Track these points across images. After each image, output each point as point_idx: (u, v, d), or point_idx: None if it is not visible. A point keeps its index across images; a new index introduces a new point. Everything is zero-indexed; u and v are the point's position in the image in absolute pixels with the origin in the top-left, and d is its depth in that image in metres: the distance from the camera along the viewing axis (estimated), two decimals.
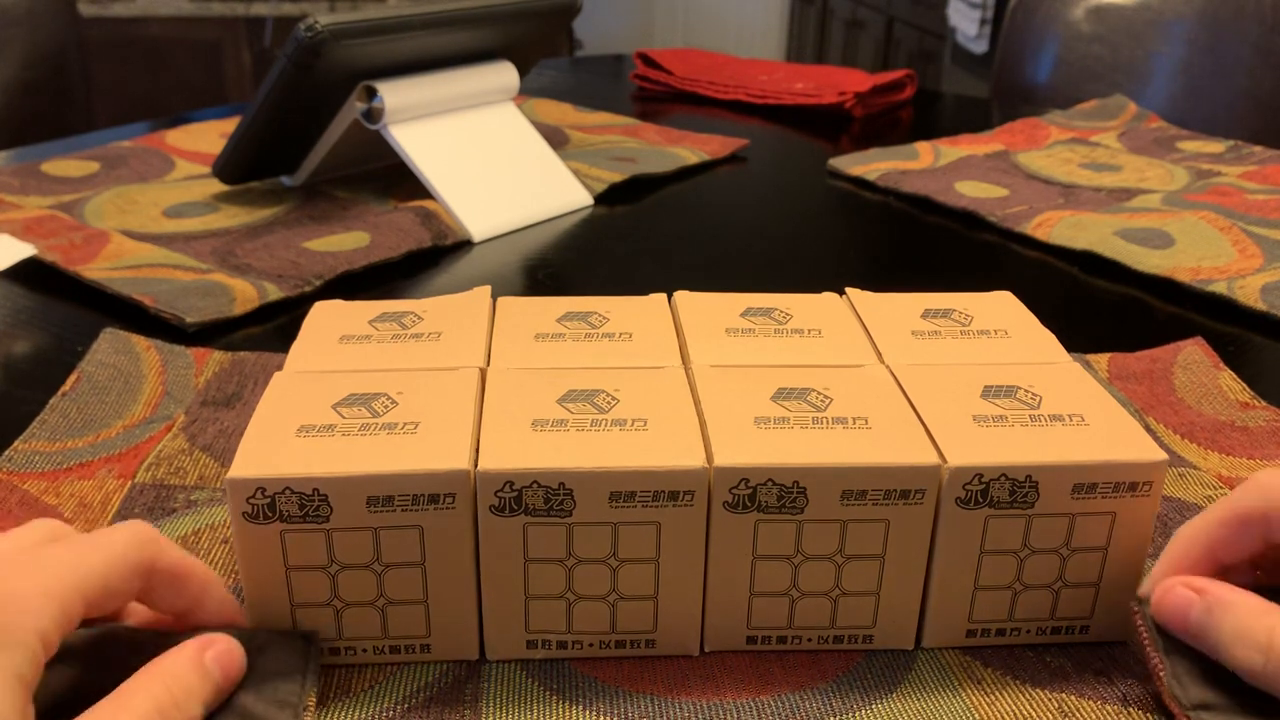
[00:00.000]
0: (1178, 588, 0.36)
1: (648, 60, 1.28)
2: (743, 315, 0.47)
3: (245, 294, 0.65)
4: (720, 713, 0.37)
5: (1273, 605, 0.34)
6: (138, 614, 0.37)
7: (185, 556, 0.35)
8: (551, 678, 0.38)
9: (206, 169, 0.88)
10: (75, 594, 0.31)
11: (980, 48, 2.18)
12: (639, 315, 0.47)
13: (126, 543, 0.33)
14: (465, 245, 0.78)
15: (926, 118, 1.19)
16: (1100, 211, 0.83)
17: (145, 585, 0.34)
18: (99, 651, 0.34)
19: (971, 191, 0.88)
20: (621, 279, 0.74)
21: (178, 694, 0.31)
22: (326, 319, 0.47)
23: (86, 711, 0.30)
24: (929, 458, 0.37)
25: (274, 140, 0.81)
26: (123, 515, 0.46)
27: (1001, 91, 1.42)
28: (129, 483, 0.48)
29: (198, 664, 0.33)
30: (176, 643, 0.34)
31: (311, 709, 0.35)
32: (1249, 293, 0.69)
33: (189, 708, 0.31)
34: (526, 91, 1.14)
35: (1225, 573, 0.37)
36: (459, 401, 0.40)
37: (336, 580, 0.37)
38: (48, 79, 1.24)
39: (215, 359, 0.59)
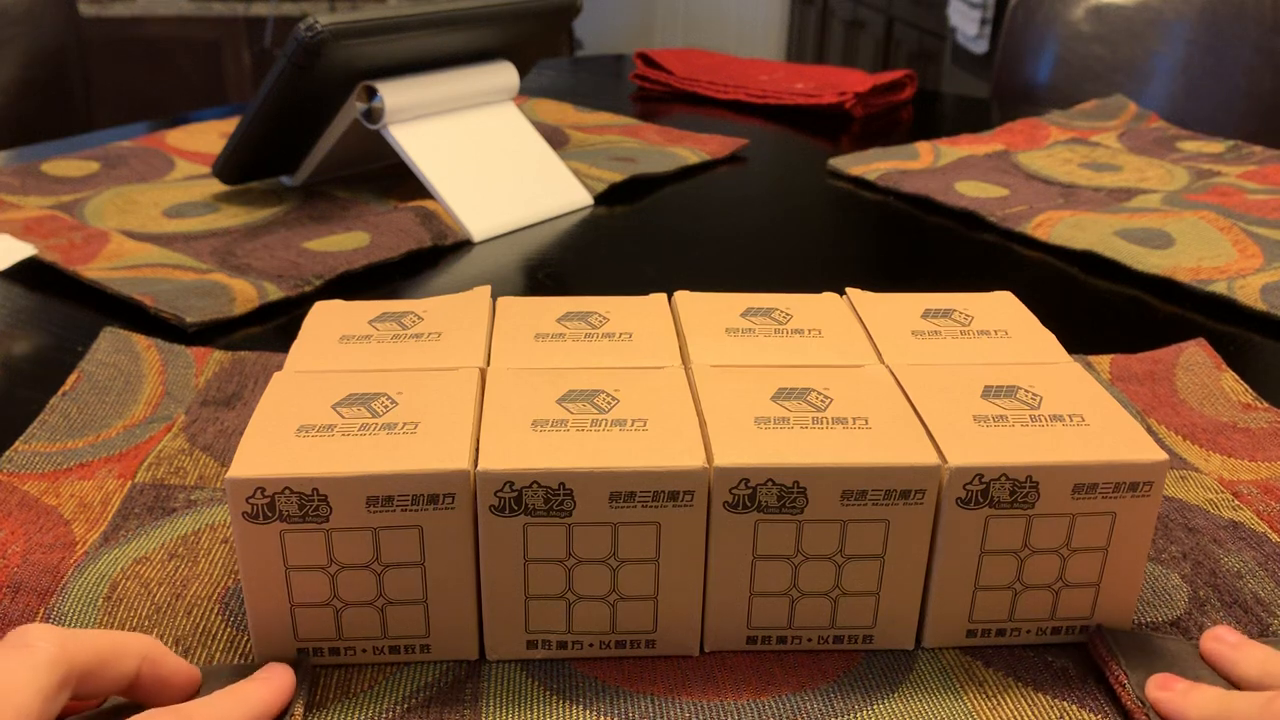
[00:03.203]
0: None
1: (648, 60, 1.28)
2: (743, 315, 0.47)
3: (245, 294, 0.65)
4: (720, 713, 0.37)
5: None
6: None
7: (103, 646, 0.33)
8: (551, 678, 0.38)
9: (206, 169, 0.88)
10: None
11: (980, 48, 2.18)
12: (639, 315, 0.47)
13: (36, 680, 0.31)
14: (465, 245, 0.78)
15: (926, 118, 1.19)
16: (1100, 211, 0.83)
17: (75, 692, 0.32)
18: None
19: (971, 191, 0.88)
20: (621, 279, 0.74)
21: None
22: (326, 319, 0.47)
23: None
24: (929, 458, 0.37)
25: (274, 140, 0.81)
26: (123, 515, 0.46)
27: (1001, 91, 1.42)
28: (129, 483, 0.48)
29: None
30: None
31: (299, 716, 0.35)
32: (1249, 293, 0.69)
33: None
34: (526, 91, 1.14)
35: None
36: (459, 401, 0.40)
37: (336, 580, 0.37)
38: (48, 79, 1.24)
39: (215, 359, 0.59)
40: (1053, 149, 1.01)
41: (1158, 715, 0.36)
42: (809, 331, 0.46)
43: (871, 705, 0.37)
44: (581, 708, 0.37)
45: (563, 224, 0.83)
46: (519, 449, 0.37)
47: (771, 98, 1.17)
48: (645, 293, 0.49)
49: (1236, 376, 0.59)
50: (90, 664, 0.33)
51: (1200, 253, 0.74)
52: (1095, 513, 0.38)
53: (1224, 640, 0.39)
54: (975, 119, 1.18)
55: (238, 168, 0.82)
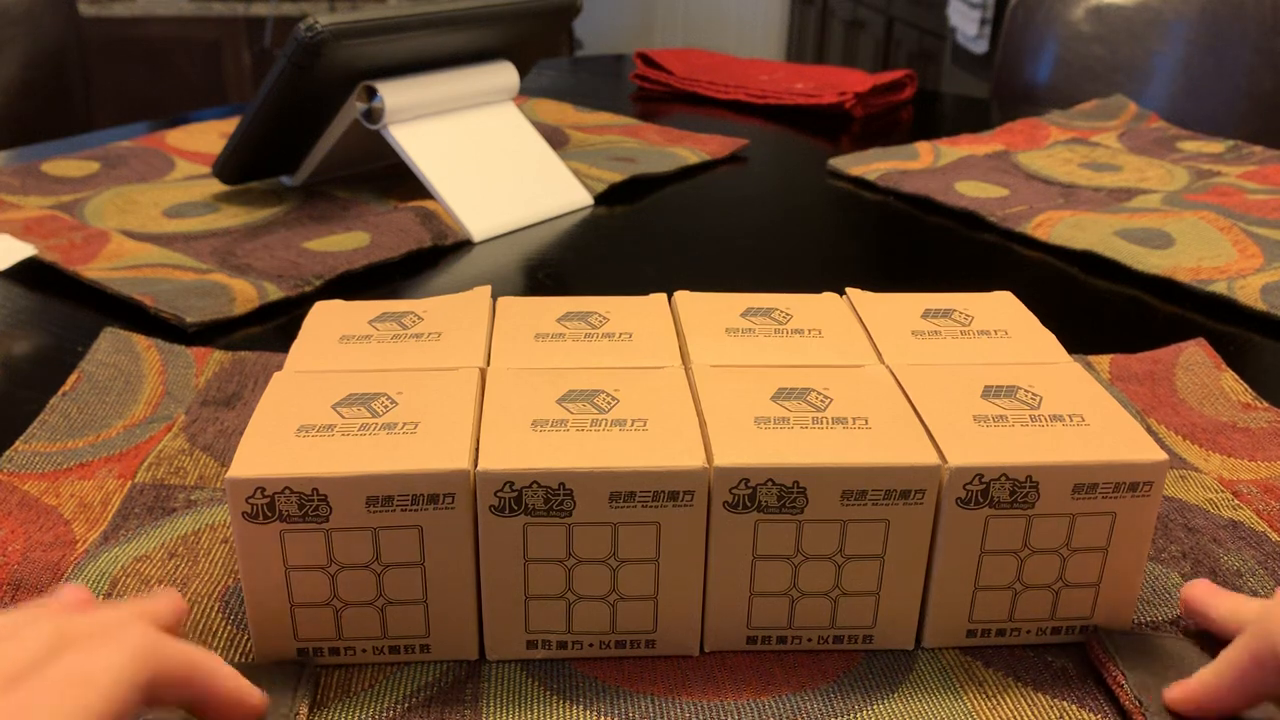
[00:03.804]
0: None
1: (648, 60, 1.28)
2: (743, 315, 0.47)
3: (245, 294, 0.65)
4: (720, 713, 0.37)
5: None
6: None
7: (186, 657, 0.33)
8: (551, 678, 0.38)
9: (206, 169, 0.88)
10: None
11: (980, 48, 2.18)
12: (639, 315, 0.47)
13: (129, 664, 0.31)
14: (465, 245, 0.78)
15: (926, 118, 1.19)
16: (1100, 211, 0.83)
17: (152, 696, 0.32)
18: None
19: (971, 191, 0.88)
20: (621, 279, 0.74)
21: None
22: (326, 319, 0.47)
23: None
24: (929, 458, 0.37)
25: (274, 140, 0.81)
26: (123, 515, 0.46)
27: (1001, 91, 1.42)
28: (129, 482, 0.48)
29: None
30: None
31: (304, 715, 0.35)
32: (1249, 293, 0.69)
33: None
34: (526, 91, 1.14)
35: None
36: (459, 401, 0.40)
37: (336, 580, 0.37)
38: (48, 79, 1.24)
39: (215, 359, 0.59)
40: (1053, 149, 1.01)
41: (1156, 712, 0.36)
42: (809, 331, 0.46)
43: (871, 705, 0.37)
44: (581, 708, 0.37)
45: (563, 224, 0.83)
46: (519, 449, 0.37)
47: (771, 98, 1.17)
48: (645, 293, 0.49)
49: (1236, 376, 0.59)
50: (175, 676, 0.32)
51: (1200, 253, 0.74)
52: (1095, 513, 0.38)
53: (1199, 586, 0.41)
54: (975, 119, 1.18)
55: (238, 168, 0.82)
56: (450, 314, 0.47)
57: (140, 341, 0.59)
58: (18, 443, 0.50)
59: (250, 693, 0.35)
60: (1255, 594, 0.43)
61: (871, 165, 0.94)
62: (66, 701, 0.29)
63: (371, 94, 0.79)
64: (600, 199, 0.87)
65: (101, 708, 0.29)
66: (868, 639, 0.40)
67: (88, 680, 0.30)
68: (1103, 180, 0.92)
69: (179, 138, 0.97)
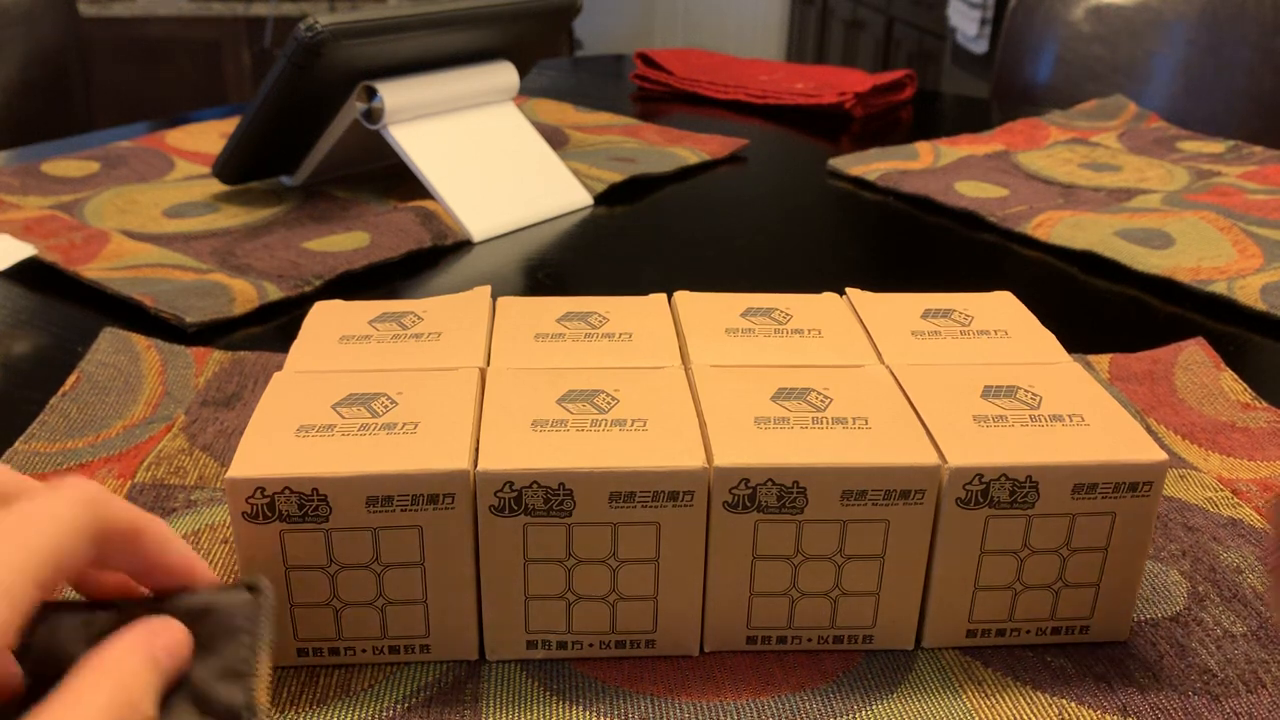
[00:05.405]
0: None
1: (648, 60, 1.28)
2: (743, 315, 0.47)
3: (245, 294, 0.65)
4: (720, 713, 0.37)
5: None
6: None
7: (135, 513, 0.31)
8: (551, 678, 0.38)
9: (206, 169, 0.88)
10: (28, 583, 0.27)
11: (980, 48, 2.18)
12: (639, 315, 0.47)
13: (75, 510, 0.29)
14: (465, 245, 0.78)
15: (926, 118, 1.19)
16: (1100, 211, 0.83)
17: (99, 550, 0.30)
18: (45, 640, 0.30)
19: (971, 192, 0.88)
20: (621, 279, 0.74)
21: (133, 692, 0.28)
22: (326, 319, 0.47)
23: (34, 712, 0.26)
24: (929, 458, 0.37)
25: (274, 140, 0.81)
26: None
27: (1001, 91, 1.42)
28: (129, 482, 0.48)
29: (148, 657, 0.29)
30: (125, 618, 0.30)
31: (263, 676, 0.30)
32: (1249, 293, 0.69)
33: (144, 706, 0.28)
34: (526, 91, 1.14)
35: None
36: (459, 401, 0.40)
37: (336, 580, 0.37)
38: (48, 79, 1.24)
39: (215, 359, 0.59)
40: (1053, 149, 1.01)
41: None
42: (809, 331, 0.46)
43: (871, 705, 0.37)
44: (581, 708, 0.37)
45: (563, 224, 0.83)
46: (519, 449, 0.37)
47: (771, 98, 1.17)
48: (645, 293, 0.49)
49: (1236, 376, 0.59)
50: (124, 531, 0.30)
51: (1200, 253, 0.74)
52: (1095, 513, 0.38)
53: None
54: (975, 119, 1.18)
55: (238, 168, 0.82)
56: (450, 314, 0.47)
57: (140, 341, 0.59)
58: (17, 443, 0.50)
59: (201, 567, 0.32)
60: (1255, 590, 0.43)
61: (871, 165, 0.94)
62: (7, 541, 0.27)
63: (371, 94, 0.79)
64: (600, 199, 0.87)
65: (47, 548, 0.27)
66: (867, 639, 0.40)
67: (31, 521, 0.28)
68: (1103, 180, 0.92)
69: (179, 138, 0.97)
